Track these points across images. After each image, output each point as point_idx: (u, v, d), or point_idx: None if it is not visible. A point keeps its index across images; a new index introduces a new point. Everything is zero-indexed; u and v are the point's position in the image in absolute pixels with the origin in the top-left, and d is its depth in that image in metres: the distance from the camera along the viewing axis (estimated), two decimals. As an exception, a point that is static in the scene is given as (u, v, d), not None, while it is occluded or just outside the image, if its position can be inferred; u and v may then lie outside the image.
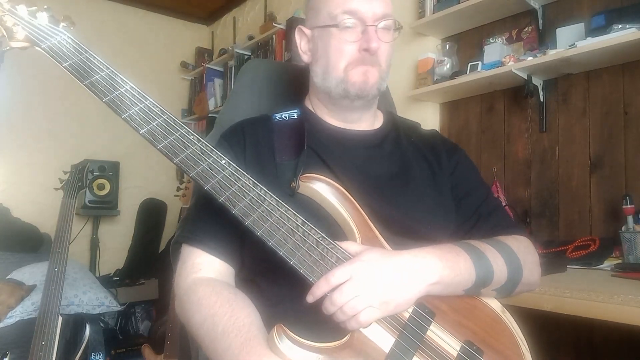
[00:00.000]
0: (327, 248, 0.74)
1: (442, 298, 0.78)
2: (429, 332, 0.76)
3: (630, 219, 1.55)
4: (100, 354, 2.10)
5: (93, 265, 3.49)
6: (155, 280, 3.40)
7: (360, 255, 0.73)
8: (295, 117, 0.98)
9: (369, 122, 1.01)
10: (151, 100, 0.79)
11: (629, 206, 1.56)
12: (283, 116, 0.98)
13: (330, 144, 0.94)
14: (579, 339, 1.71)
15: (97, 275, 3.35)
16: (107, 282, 3.20)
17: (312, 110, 1.01)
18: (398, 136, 1.02)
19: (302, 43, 1.00)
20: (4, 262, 2.45)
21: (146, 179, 3.84)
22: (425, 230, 0.87)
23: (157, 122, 0.78)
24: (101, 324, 2.54)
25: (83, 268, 2.68)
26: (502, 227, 0.94)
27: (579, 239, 1.70)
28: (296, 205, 0.76)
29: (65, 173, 2.10)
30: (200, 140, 0.78)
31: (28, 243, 2.65)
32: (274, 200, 0.75)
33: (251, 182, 0.76)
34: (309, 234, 0.74)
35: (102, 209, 3.44)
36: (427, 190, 0.94)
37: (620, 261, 1.53)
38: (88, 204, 3.35)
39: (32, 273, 2.32)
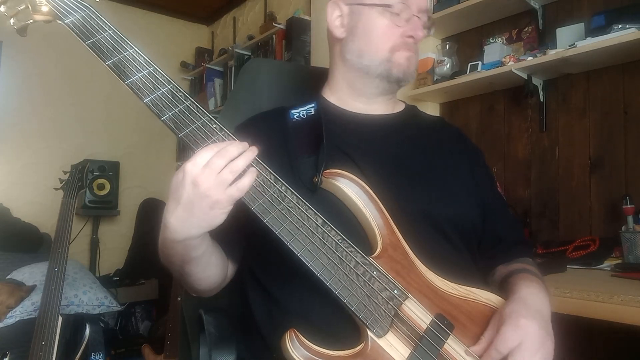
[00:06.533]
0: (345, 251, 0.73)
1: (463, 309, 0.77)
2: (446, 346, 0.73)
3: (630, 219, 1.54)
4: (100, 354, 2.10)
5: (93, 265, 3.48)
6: (155, 280, 3.40)
7: (512, 315, 0.73)
8: (313, 112, 0.95)
9: (389, 105, 1.01)
10: (174, 84, 0.75)
11: (629, 206, 1.55)
12: (301, 114, 0.96)
13: (350, 133, 0.92)
14: (579, 339, 1.71)
15: (97, 275, 3.35)
16: (107, 282, 3.20)
17: (329, 100, 1.00)
18: (419, 124, 1.02)
19: (335, 17, 0.97)
20: (4, 262, 2.44)
21: (146, 179, 3.84)
22: (444, 215, 0.87)
23: (179, 108, 0.73)
24: (101, 324, 2.53)
25: (83, 268, 2.68)
26: (507, 239, 0.97)
27: (579, 239, 1.70)
28: (316, 202, 0.74)
29: (65, 173, 2.09)
30: (223, 130, 0.73)
31: (28, 243, 2.64)
32: (295, 197, 0.73)
33: (272, 177, 0.73)
34: (328, 235, 0.72)
35: (102, 209, 3.44)
36: (448, 178, 0.93)
37: (620, 261, 1.52)
38: (88, 204, 3.35)
39: (32, 273, 2.31)
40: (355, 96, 0.98)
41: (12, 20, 0.81)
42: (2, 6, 0.80)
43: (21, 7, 0.80)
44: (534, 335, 0.71)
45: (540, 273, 0.91)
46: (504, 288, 0.85)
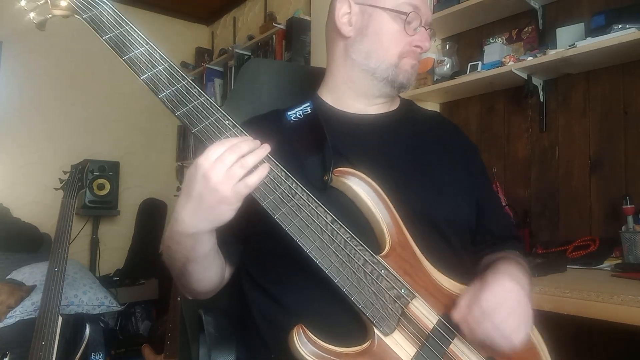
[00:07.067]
0: (354, 249, 0.73)
1: None
2: (452, 346, 0.74)
3: (630, 219, 1.54)
4: (100, 354, 2.10)
5: (93, 265, 3.48)
6: (155, 280, 3.40)
7: (489, 281, 0.74)
8: (309, 111, 0.95)
9: (386, 105, 1.01)
10: (189, 80, 0.76)
11: (629, 206, 1.55)
12: (297, 114, 0.96)
13: (345, 134, 0.92)
14: (579, 339, 1.71)
15: (97, 275, 3.35)
16: (107, 282, 3.20)
17: (325, 100, 1.00)
18: (415, 120, 1.02)
19: (343, 14, 0.95)
20: (4, 262, 2.45)
21: (146, 179, 3.84)
22: (442, 216, 0.87)
23: (193, 104, 0.74)
24: (101, 324, 2.53)
25: (83, 268, 2.68)
26: (500, 236, 0.98)
27: (579, 239, 1.70)
28: (325, 201, 0.75)
29: (65, 173, 2.10)
30: (236, 126, 0.74)
31: (28, 243, 2.64)
32: (305, 194, 0.73)
33: (283, 174, 0.74)
34: (337, 232, 0.73)
35: (102, 209, 3.44)
36: (444, 177, 0.94)
37: (620, 261, 1.52)
38: (88, 204, 3.35)
39: (32, 273, 2.31)
40: (355, 96, 0.97)
41: (32, 15, 0.82)
42: (23, 0, 0.82)
43: (41, 2, 0.81)
44: (514, 295, 0.72)
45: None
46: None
